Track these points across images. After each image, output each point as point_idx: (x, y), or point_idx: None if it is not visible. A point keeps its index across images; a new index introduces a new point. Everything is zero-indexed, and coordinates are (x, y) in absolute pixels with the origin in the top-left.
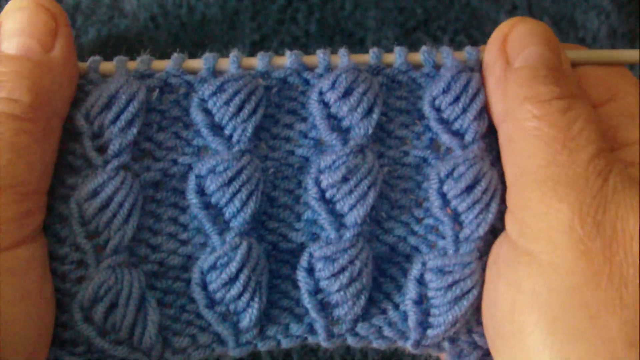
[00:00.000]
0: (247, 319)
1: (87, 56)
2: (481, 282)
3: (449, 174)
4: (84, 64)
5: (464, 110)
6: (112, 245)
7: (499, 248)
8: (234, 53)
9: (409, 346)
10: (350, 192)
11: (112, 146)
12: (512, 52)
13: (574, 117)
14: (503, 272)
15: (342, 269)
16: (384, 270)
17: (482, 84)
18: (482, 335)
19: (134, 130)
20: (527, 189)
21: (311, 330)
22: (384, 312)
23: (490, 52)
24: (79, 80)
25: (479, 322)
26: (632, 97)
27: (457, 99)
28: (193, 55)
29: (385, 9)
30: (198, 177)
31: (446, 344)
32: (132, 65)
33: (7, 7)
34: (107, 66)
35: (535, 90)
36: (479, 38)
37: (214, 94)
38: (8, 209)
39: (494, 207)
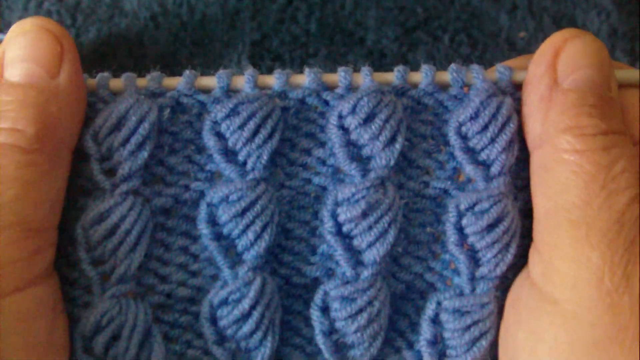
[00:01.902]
0: (259, 358)
1: (87, 56)
2: (498, 320)
3: (470, 208)
4: (92, 81)
5: (492, 141)
6: (117, 274)
7: (520, 290)
8: (249, 71)
9: None
10: (370, 228)
11: (122, 170)
12: (563, 70)
13: (616, 156)
14: (524, 319)
15: (360, 310)
16: (398, 307)
17: (515, 107)
18: None
19: (145, 153)
20: (559, 228)
21: None
22: (398, 350)
23: (539, 65)
24: (89, 98)
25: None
26: (631, 95)
27: (485, 127)
28: (194, 56)
29: (385, 8)
30: (210, 205)
31: None
32: (142, 82)
33: (10, 32)
34: (115, 83)
35: (580, 121)
36: (479, 38)
37: (228, 116)
38: (14, 249)
39: (513, 247)
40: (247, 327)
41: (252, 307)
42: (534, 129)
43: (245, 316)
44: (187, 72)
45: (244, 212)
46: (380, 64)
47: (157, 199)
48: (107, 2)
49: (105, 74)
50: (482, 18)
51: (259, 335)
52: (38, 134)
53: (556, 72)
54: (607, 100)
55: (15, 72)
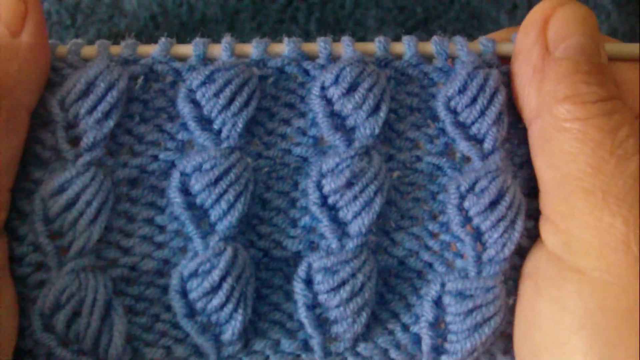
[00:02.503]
0: (229, 331)
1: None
2: (505, 309)
3: (470, 189)
4: (64, 47)
5: (482, 113)
6: (76, 248)
7: (537, 262)
8: (226, 39)
9: None
10: (355, 198)
11: (86, 139)
12: (554, 38)
13: (619, 121)
14: (544, 290)
15: (343, 282)
16: (392, 286)
17: (502, 80)
18: None
19: (111, 122)
20: (573, 197)
21: (306, 347)
22: (391, 332)
23: (528, 34)
24: (58, 63)
25: (506, 351)
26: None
27: (474, 100)
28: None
29: (385, 8)
30: (182, 174)
31: None
32: (116, 50)
33: None
34: (89, 50)
35: (578, 89)
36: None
37: (204, 83)
38: None
39: (519, 224)
40: (217, 300)
41: (223, 279)
42: (529, 101)
43: (216, 288)
44: (162, 39)
45: (217, 180)
46: None
47: (121, 170)
48: (107, 2)
49: (79, 40)
50: (482, 18)
51: (229, 307)
52: None
53: (547, 40)
54: (600, 67)
55: None
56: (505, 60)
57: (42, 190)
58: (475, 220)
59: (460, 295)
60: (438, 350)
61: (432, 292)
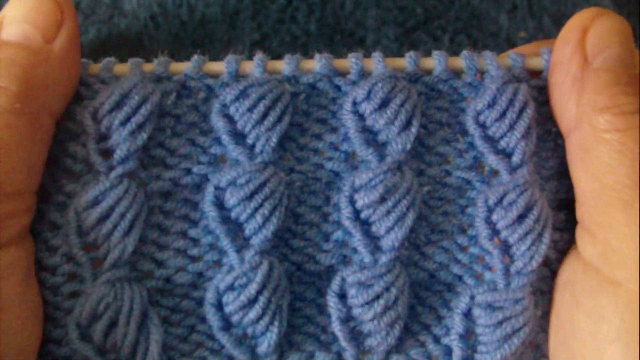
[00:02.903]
0: (265, 344)
1: (88, 55)
2: (533, 319)
3: (498, 202)
4: (97, 65)
5: (511, 128)
6: (111, 259)
7: (574, 272)
8: (258, 56)
9: None
10: (388, 213)
11: (119, 151)
12: (593, 49)
13: None
14: (582, 301)
15: (377, 297)
16: (422, 298)
17: (530, 94)
18: None
19: (144, 135)
20: (612, 208)
21: (339, 359)
22: (422, 344)
23: (567, 45)
24: (90, 79)
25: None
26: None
27: (503, 114)
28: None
29: (385, 8)
30: (217, 188)
31: None
32: (149, 67)
33: None
34: (121, 68)
35: (618, 100)
36: (479, 38)
37: (237, 99)
38: None
39: (546, 237)
40: (253, 313)
41: (259, 292)
42: (568, 111)
43: (252, 301)
44: (195, 56)
45: (252, 195)
46: None
47: (154, 183)
48: (107, 2)
49: (111, 58)
50: (482, 18)
51: (265, 320)
52: (21, 94)
53: (585, 51)
54: (637, 78)
55: (11, 32)
56: (534, 75)
57: (75, 203)
58: (503, 233)
59: (490, 307)
60: None
61: (461, 304)
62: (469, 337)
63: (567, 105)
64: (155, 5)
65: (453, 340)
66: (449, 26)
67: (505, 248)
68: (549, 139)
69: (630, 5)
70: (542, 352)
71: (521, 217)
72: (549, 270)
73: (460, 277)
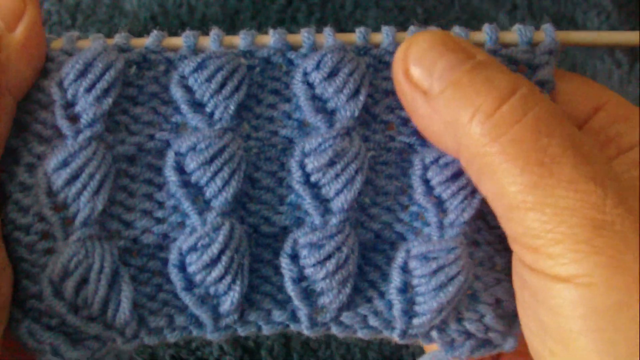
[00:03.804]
0: (227, 303)
1: None
2: (468, 268)
3: (434, 161)
4: (60, 40)
5: None
6: (81, 218)
7: (522, 277)
8: (215, 31)
9: (395, 336)
10: (337, 176)
11: (86, 115)
12: (423, 80)
13: (534, 122)
14: (541, 300)
15: (329, 256)
16: (368, 258)
17: None
18: (474, 322)
19: (110, 100)
20: (529, 218)
21: (294, 317)
22: (369, 300)
23: (403, 93)
24: (54, 53)
25: (470, 308)
26: (618, 101)
27: None
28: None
29: (385, 8)
30: (177, 154)
31: (435, 334)
32: (111, 41)
33: None
34: (84, 43)
35: (476, 102)
36: None
37: (195, 70)
38: None
39: (479, 195)
40: (216, 272)
41: (221, 252)
42: (443, 142)
43: (215, 261)
44: (154, 31)
45: (212, 159)
46: None
47: (120, 146)
48: (107, 2)
49: (74, 33)
50: (482, 18)
51: (227, 279)
52: None
53: (419, 86)
54: (481, 67)
55: None
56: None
57: (45, 165)
58: (437, 190)
59: (424, 258)
60: (409, 313)
61: (398, 259)
62: (408, 291)
63: (440, 140)
64: (155, 5)
65: (392, 294)
66: (449, 26)
67: (440, 203)
68: None
69: (630, 5)
70: (478, 299)
71: (455, 175)
72: (484, 222)
73: (402, 235)
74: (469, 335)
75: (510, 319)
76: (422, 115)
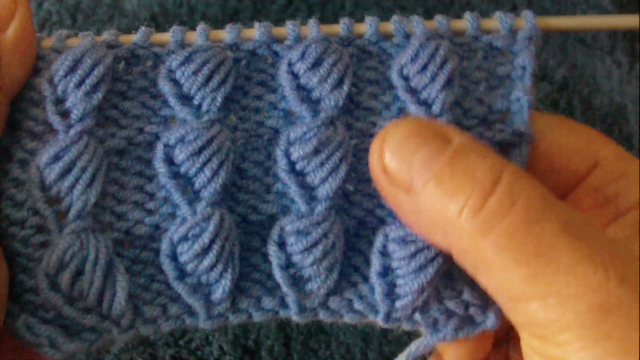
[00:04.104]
0: (219, 291)
1: None
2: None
3: None
4: (50, 38)
5: (432, 79)
6: (74, 211)
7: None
8: (201, 26)
9: (379, 320)
10: (322, 164)
11: (76, 110)
12: (402, 176)
13: (522, 208)
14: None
15: (315, 243)
16: (352, 243)
17: (454, 51)
18: (453, 299)
19: (99, 94)
20: (533, 309)
21: (283, 304)
22: (354, 285)
23: (386, 193)
24: (44, 51)
25: (447, 286)
26: (616, 155)
27: (425, 67)
28: None
29: (385, 8)
30: (166, 146)
31: (418, 316)
32: (100, 38)
33: None
34: (73, 41)
35: (461, 196)
36: None
37: (182, 64)
38: None
39: None
40: (207, 261)
41: (212, 241)
42: (433, 238)
43: (206, 250)
44: (142, 27)
45: (200, 150)
46: None
47: (110, 140)
48: (107, 2)
49: (64, 31)
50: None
51: (219, 268)
52: None
53: (398, 182)
54: (455, 160)
55: None
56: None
57: (37, 160)
58: None
59: (403, 241)
60: (390, 296)
61: (377, 243)
62: (389, 274)
63: (430, 236)
64: (155, 5)
65: (373, 278)
66: None
67: None
68: (474, 89)
69: (630, 5)
70: (453, 276)
71: None
72: None
73: (382, 220)
74: (450, 314)
75: (487, 293)
76: (407, 212)
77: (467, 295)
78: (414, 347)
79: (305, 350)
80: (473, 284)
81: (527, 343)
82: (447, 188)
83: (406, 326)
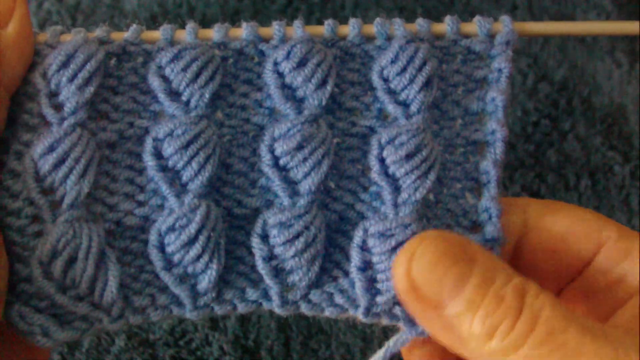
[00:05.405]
0: (205, 281)
1: None
2: None
3: (390, 141)
4: (44, 34)
5: (411, 81)
6: (68, 201)
7: None
8: (190, 24)
9: (359, 315)
10: (305, 160)
11: (69, 104)
12: (433, 295)
13: (545, 324)
14: None
15: (297, 235)
16: (333, 239)
17: (433, 53)
18: None
19: (92, 88)
20: None
21: (266, 295)
22: (335, 279)
23: (415, 312)
24: (39, 46)
25: None
26: (619, 235)
27: (404, 69)
28: None
29: (385, 8)
30: (155, 140)
31: (397, 309)
32: (92, 35)
33: None
34: (67, 37)
35: (491, 325)
36: None
37: (172, 61)
38: None
39: (432, 175)
40: (193, 252)
41: (198, 232)
42: (460, 352)
43: (192, 240)
44: (133, 25)
45: (188, 144)
46: None
47: (102, 133)
48: (107, 2)
49: (58, 27)
50: None
51: (205, 258)
52: None
53: (428, 300)
54: (483, 285)
55: None
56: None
57: (32, 151)
58: (392, 168)
59: (382, 235)
60: (371, 291)
61: (356, 238)
62: (369, 268)
63: (458, 351)
64: (155, 5)
65: (352, 273)
66: None
67: (393, 181)
68: (451, 92)
69: (630, 5)
70: None
71: (409, 156)
72: (435, 202)
73: (362, 215)
74: None
75: None
76: (434, 325)
77: None
78: (392, 342)
79: (305, 350)
80: None
81: None
82: (478, 312)
83: (385, 321)
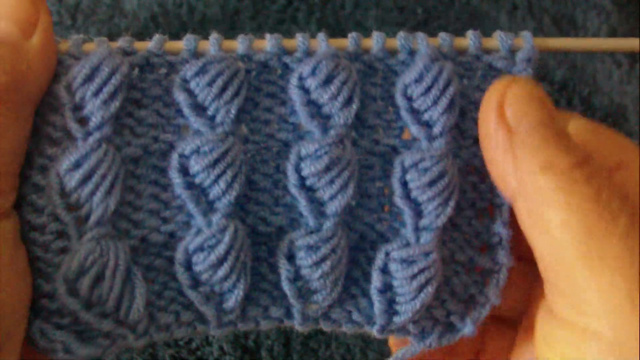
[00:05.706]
0: (232, 300)
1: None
2: (440, 267)
3: (413, 166)
4: (66, 43)
5: (435, 103)
6: (94, 218)
7: (549, 326)
8: (214, 35)
9: (375, 331)
10: (332, 181)
11: (94, 118)
12: (513, 118)
13: (598, 185)
14: (563, 353)
15: (324, 258)
16: (353, 257)
17: (456, 71)
18: (438, 308)
19: (117, 103)
20: (572, 263)
21: (288, 313)
22: (353, 297)
23: (489, 121)
24: (61, 56)
25: (434, 297)
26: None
27: (428, 90)
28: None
29: (385, 8)
30: (181, 156)
31: (411, 327)
32: (114, 45)
33: None
34: (89, 46)
35: (553, 159)
36: None
37: (197, 74)
38: None
39: (452, 201)
40: (222, 272)
41: (227, 252)
42: (508, 183)
43: (221, 261)
44: (156, 35)
45: (215, 163)
46: None
47: (126, 148)
48: (107, 2)
49: (80, 36)
50: (482, 18)
51: (232, 278)
52: (8, 86)
53: (508, 121)
54: (563, 134)
55: None
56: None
57: (57, 166)
58: (414, 193)
59: (404, 261)
60: (389, 312)
61: (378, 261)
62: (388, 291)
63: (505, 177)
64: (155, 5)
65: (373, 294)
66: (449, 26)
67: (415, 206)
68: (471, 109)
69: (630, 5)
70: (439, 288)
71: (432, 182)
72: (450, 223)
73: (382, 235)
74: (435, 321)
75: (465, 303)
76: (497, 147)
77: (449, 304)
78: (400, 354)
79: (305, 350)
80: (454, 293)
81: (552, 307)
82: (546, 148)
83: (397, 335)
